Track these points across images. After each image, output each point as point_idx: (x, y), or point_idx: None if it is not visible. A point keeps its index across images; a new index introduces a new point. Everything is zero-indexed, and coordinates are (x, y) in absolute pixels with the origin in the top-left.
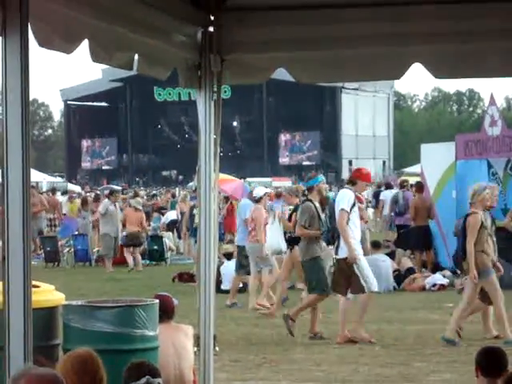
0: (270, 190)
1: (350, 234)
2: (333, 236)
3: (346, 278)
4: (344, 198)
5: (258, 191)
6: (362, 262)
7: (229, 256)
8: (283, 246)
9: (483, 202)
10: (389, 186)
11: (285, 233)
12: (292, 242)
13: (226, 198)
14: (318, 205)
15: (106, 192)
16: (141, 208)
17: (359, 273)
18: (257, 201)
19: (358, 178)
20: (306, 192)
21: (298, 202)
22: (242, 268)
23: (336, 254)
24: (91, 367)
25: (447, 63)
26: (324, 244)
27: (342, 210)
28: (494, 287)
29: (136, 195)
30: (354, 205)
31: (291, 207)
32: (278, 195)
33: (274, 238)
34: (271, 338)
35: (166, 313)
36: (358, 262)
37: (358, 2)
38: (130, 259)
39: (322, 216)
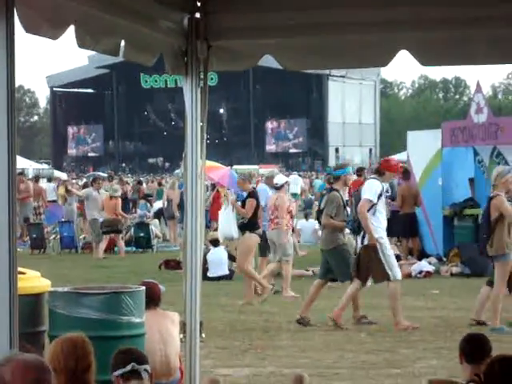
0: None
1: (371, 221)
2: (358, 226)
3: (368, 266)
4: (371, 188)
5: (280, 179)
6: (388, 250)
7: (215, 243)
8: (235, 232)
9: (506, 184)
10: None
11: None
12: (244, 228)
13: (213, 186)
14: (343, 194)
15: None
16: (117, 195)
17: (385, 260)
18: (278, 188)
19: (386, 169)
20: (332, 181)
21: (251, 189)
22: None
23: (362, 242)
24: (82, 351)
25: (434, 51)
26: (347, 232)
27: (366, 199)
28: (505, 274)
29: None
30: (381, 195)
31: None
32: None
33: (226, 224)
34: (257, 324)
35: (153, 300)
36: (383, 248)
37: None
38: (101, 248)
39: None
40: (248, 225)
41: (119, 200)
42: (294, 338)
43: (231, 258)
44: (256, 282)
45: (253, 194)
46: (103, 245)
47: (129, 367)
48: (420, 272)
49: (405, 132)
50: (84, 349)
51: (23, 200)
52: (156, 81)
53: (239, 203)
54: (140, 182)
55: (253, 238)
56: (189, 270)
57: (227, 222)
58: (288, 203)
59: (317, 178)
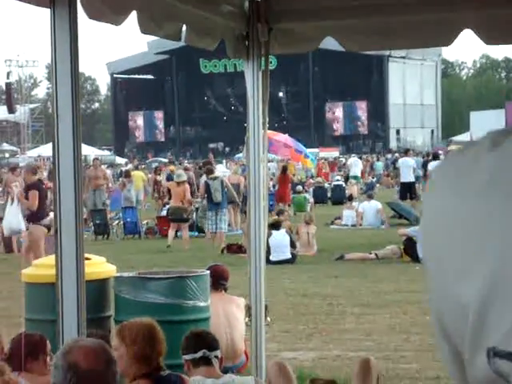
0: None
1: None
2: None
3: None
4: None
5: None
6: None
7: (276, 226)
8: (22, 225)
9: None
10: (435, 157)
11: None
12: (30, 219)
13: (284, 168)
14: None
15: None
16: (183, 180)
17: None
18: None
19: None
20: None
21: (35, 180)
22: None
23: None
24: (157, 336)
25: (498, 29)
26: None
27: None
28: None
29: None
30: None
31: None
32: None
33: (12, 217)
34: (321, 308)
35: (219, 283)
36: None
37: None
38: (170, 234)
39: None
40: (33, 216)
41: (187, 185)
42: (358, 322)
43: (292, 243)
44: None
45: (36, 186)
46: (172, 232)
47: (199, 353)
48: None
49: (467, 113)
50: (158, 334)
51: (98, 186)
52: (215, 65)
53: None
54: (201, 168)
55: (39, 229)
56: (253, 255)
57: (13, 215)
58: None
59: (378, 160)
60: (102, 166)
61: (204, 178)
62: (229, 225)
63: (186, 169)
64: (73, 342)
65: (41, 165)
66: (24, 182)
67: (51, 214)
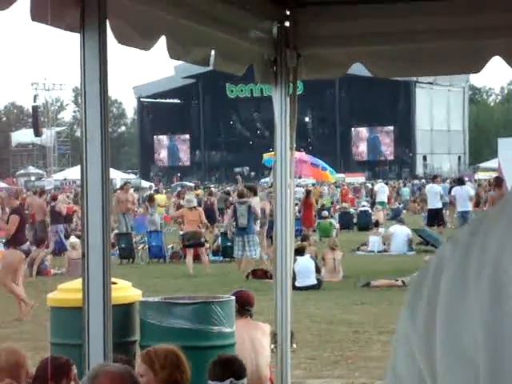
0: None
1: None
2: None
3: None
4: None
5: None
6: None
7: (300, 252)
8: None
9: None
10: (461, 182)
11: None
12: (7, 244)
13: (307, 193)
14: None
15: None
16: (194, 205)
17: None
18: None
19: None
20: None
21: (16, 205)
22: None
23: None
24: (184, 362)
25: None
26: None
27: None
28: None
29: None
30: None
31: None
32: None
33: None
34: (347, 335)
35: (244, 309)
36: None
37: None
38: (189, 262)
39: None
40: (10, 241)
41: (200, 210)
42: (384, 349)
43: (317, 268)
44: (18, 298)
45: (17, 210)
46: (190, 258)
47: (227, 382)
48: None
49: (494, 139)
50: (182, 361)
51: (127, 210)
52: (242, 90)
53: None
54: (228, 193)
55: (17, 254)
56: (279, 280)
57: None
58: None
59: (404, 186)
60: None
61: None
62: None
63: (209, 193)
64: (99, 367)
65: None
66: (6, 206)
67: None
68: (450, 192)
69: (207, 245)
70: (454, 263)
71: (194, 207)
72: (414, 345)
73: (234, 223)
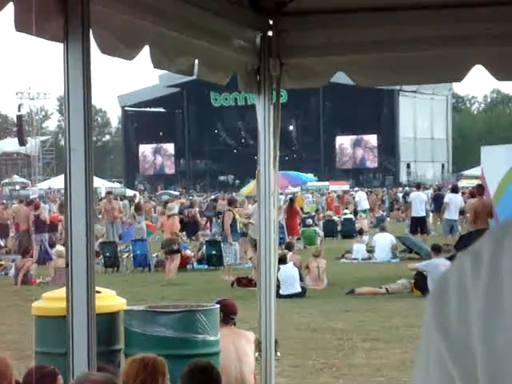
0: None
1: None
2: None
3: None
4: None
5: None
6: None
7: (282, 260)
8: None
9: None
10: (454, 190)
11: None
12: None
13: (291, 201)
14: None
15: (166, 197)
16: (173, 213)
17: None
18: None
19: None
20: None
21: None
22: None
23: None
24: (159, 371)
25: (510, 65)
26: None
27: None
28: None
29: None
30: None
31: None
32: None
33: None
34: (331, 342)
35: (229, 317)
36: None
37: (420, 3)
38: (167, 269)
39: None
40: None
41: (175, 219)
42: (369, 357)
43: (300, 276)
44: None
45: None
46: (174, 265)
47: None
48: None
49: (477, 147)
50: (156, 370)
51: (115, 219)
52: (226, 99)
53: None
54: (216, 200)
55: None
56: (263, 288)
57: None
58: None
59: (387, 194)
60: (116, 200)
61: (227, 208)
62: (240, 258)
63: (191, 203)
64: (83, 377)
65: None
66: None
67: None
68: (435, 199)
69: (191, 253)
70: (482, 272)
71: (172, 215)
72: (449, 362)
73: (231, 229)
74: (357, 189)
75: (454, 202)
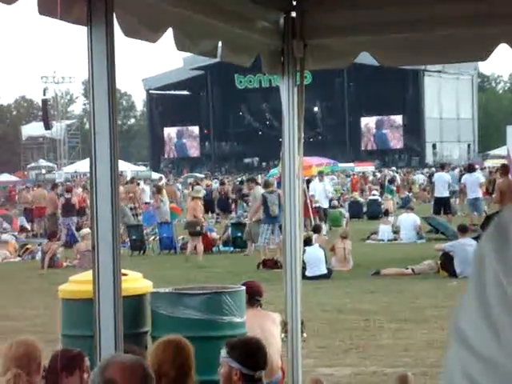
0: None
1: None
2: None
3: None
4: None
5: None
6: None
7: (308, 242)
8: None
9: None
10: (471, 169)
11: None
12: None
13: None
14: None
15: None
16: (199, 196)
17: None
18: None
19: None
20: None
21: None
22: None
23: None
24: (184, 353)
25: None
26: None
27: None
28: None
29: (197, 183)
30: None
31: None
32: None
33: None
34: (357, 323)
35: (254, 299)
36: None
37: None
38: (189, 249)
39: None
40: None
41: (198, 201)
42: (395, 337)
43: (326, 258)
44: None
45: None
46: (199, 247)
47: (258, 374)
48: None
49: (503, 126)
50: (186, 350)
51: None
52: (250, 81)
53: None
54: (242, 182)
55: None
56: (288, 270)
57: None
58: None
59: (414, 174)
60: (140, 182)
61: (261, 190)
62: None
63: (222, 183)
64: (110, 358)
65: (77, 180)
66: None
67: None
68: (460, 180)
69: (217, 235)
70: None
71: (197, 197)
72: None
73: (263, 211)
74: (387, 170)
75: (470, 180)
